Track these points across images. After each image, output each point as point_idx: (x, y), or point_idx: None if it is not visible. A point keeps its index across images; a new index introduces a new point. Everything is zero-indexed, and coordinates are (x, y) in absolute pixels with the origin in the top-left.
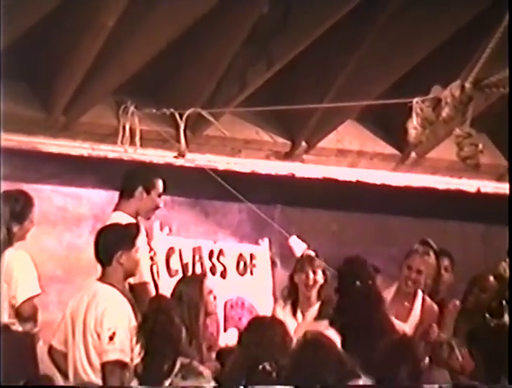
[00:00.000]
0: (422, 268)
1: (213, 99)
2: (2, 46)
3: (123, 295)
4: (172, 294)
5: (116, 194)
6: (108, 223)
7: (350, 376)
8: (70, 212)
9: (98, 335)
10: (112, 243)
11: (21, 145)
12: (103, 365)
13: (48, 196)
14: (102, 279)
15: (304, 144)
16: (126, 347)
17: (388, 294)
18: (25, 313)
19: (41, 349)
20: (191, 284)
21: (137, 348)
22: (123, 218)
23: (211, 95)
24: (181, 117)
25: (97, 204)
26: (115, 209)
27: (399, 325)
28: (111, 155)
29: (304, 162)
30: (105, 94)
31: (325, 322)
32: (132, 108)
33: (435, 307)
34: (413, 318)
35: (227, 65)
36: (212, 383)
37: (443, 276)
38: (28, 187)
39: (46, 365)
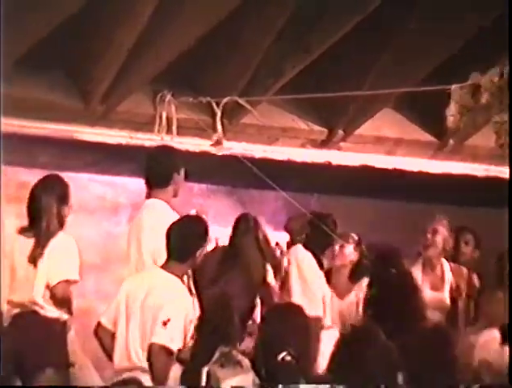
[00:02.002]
0: (437, 228)
1: (250, 87)
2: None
3: (186, 286)
4: None
5: None
6: (181, 217)
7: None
8: (108, 201)
9: (154, 321)
10: (195, 240)
11: (59, 133)
12: (150, 346)
13: (85, 185)
14: (165, 267)
15: (340, 131)
16: (176, 337)
17: (418, 270)
18: (58, 294)
19: (72, 339)
20: None
21: (189, 339)
22: (159, 205)
23: (248, 83)
24: (217, 105)
25: (134, 192)
26: (149, 197)
27: (437, 296)
28: (148, 144)
29: (340, 149)
30: (142, 83)
31: None
32: (168, 97)
33: (463, 268)
34: (447, 285)
35: (264, 53)
36: (251, 374)
37: (463, 247)
38: (66, 176)
39: (77, 356)
